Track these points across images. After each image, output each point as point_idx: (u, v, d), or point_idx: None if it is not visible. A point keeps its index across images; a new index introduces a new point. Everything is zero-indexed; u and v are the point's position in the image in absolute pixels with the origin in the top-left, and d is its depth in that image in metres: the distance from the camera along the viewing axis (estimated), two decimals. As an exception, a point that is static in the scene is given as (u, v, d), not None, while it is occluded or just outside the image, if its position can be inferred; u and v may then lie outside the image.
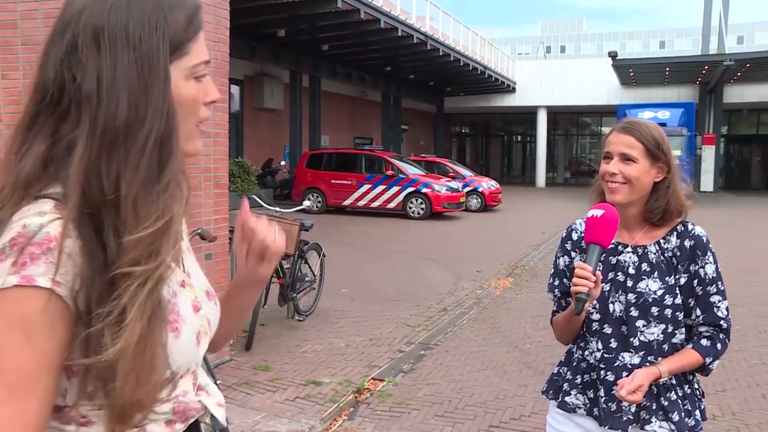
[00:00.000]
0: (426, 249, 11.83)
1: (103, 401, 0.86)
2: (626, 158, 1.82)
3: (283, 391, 4.63)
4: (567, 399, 1.92)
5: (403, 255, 11.04)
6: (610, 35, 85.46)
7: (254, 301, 1.20)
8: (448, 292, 8.22)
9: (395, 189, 17.38)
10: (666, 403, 1.80)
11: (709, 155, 28.99)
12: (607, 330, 1.85)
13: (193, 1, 0.93)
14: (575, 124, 40.14)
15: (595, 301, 1.82)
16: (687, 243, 1.84)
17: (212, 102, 0.99)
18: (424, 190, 17.17)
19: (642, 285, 1.82)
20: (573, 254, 1.97)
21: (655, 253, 1.85)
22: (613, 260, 1.87)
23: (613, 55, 24.86)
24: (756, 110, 33.74)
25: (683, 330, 1.83)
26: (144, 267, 0.84)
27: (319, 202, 17.70)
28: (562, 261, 1.99)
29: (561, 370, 1.99)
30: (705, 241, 1.84)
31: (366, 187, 17.66)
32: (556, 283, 1.99)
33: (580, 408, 1.90)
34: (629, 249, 1.87)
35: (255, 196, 6.78)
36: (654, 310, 1.80)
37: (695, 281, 1.82)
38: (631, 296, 1.82)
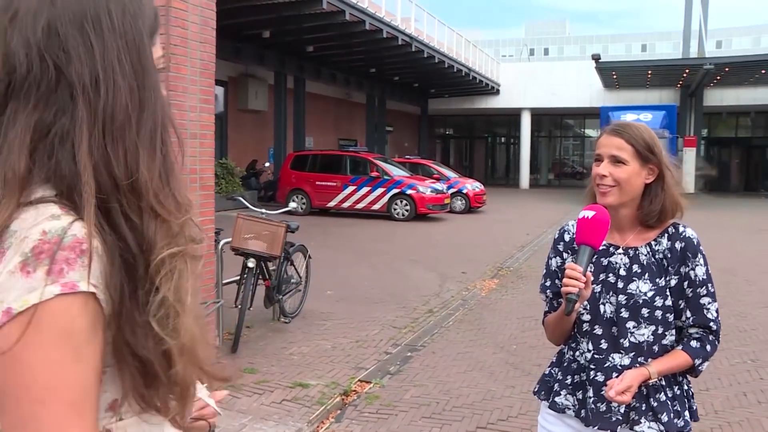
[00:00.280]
0: (411, 250, 11.84)
1: (151, 396, 0.84)
2: (616, 160, 1.83)
3: (269, 393, 4.62)
4: (557, 399, 1.93)
5: (388, 256, 11.04)
6: (593, 38, 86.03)
7: None
8: (434, 293, 8.23)
9: (380, 191, 17.38)
10: (655, 404, 1.81)
11: (690, 157, 29.29)
12: (598, 331, 1.86)
13: None
14: (559, 126, 40.41)
15: (585, 302, 1.83)
16: (678, 245, 1.85)
17: None
18: (409, 191, 17.19)
19: (633, 286, 1.83)
20: (565, 255, 1.98)
21: (646, 255, 1.86)
22: (605, 261, 1.88)
23: (596, 58, 25.04)
24: (735, 113, 34.22)
25: (673, 331, 1.85)
26: (178, 248, 0.84)
27: (304, 203, 17.66)
28: (554, 262, 2.00)
29: (552, 371, 2.00)
30: (696, 243, 1.86)
31: (351, 188, 17.65)
32: (548, 283, 2.00)
33: (569, 409, 1.91)
34: (620, 250, 1.88)
35: (241, 198, 6.75)
36: (644, 311, 1.81)
37: (685, 283, 1.83)
38: (621, 297, 1.83)
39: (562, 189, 34.06)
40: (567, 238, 2.00)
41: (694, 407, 1.89)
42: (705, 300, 1.83)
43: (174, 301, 0.82)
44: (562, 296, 1.88)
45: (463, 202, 19.88)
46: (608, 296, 1.85)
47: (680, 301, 1.84)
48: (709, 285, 1.84)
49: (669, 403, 1.82)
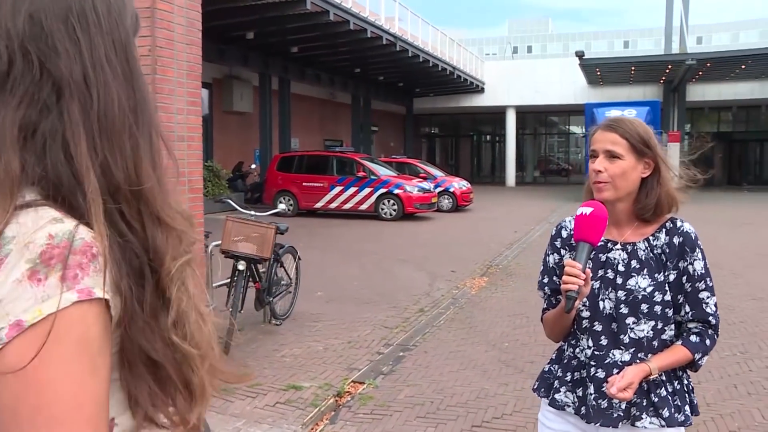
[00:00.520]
0: (400, 250, 11.84)
1: (167, 407, 0.81)
2: (611, 155, 1.83)
3: (263, 396, 4.59)
4: (557, 396, 1.92)
5: (377, 256, 11.03)
6: (576, 35, 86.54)
7: None
8: (424, 292, 8.23)
9: (367, 191, 17.37)
10: (656, 400, 1.81)
11: (674, 152, 29.40)
12: (597, 327, 1.86)
13: None
14: (543, 124, 40.59)
15: (585, 299, 1.82)
16: (676, 240, 1.85)
17: None
18: (396, 191, 17.19)
19: (632, 282, 1.83)
20: (562, 252, 1.97)
21: (644, 250, 1.86)
22: (603, 258, 1.88)
23: (580, 55, 25.17)
24: (716, 108, 34.59)
25: (672, 326, 1.85)
26: (188, 257, 0.81)
27: (291, 205, 17.61)
28: (552, 259, 1.99)
29: (552, 368, 2.00)
30: (694, 237, 1.86)
31: (338, 189, 17.62)
32: (546, 280, 1.99)
33: (568, 406, 1.90)
34: (618, 246, 1.88)
35: (230, 200, 6.71)
36: (644, 307, 1.81)
37: (684, 278, 1.83)
38: (620, 293, 1.83)
39: (548, 186, 34.24)
40: (564, 234, 1.99)
41: (695, 401, 1.89)
42: (704, 294, 1.83)
43: (191, 312, 0.80)
44: (560, 293, 1.88)
45: (451, 200, 19.91)
46: (607, 292, 1.85)
47: (679, 296, 1.84)
48: (708, 279, 1.84)
49: (670, 398, 1.83)
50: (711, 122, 36.21)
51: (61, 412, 0.68)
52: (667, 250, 1.85)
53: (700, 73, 27.92)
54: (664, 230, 1.87)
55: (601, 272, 1.87)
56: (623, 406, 1.81)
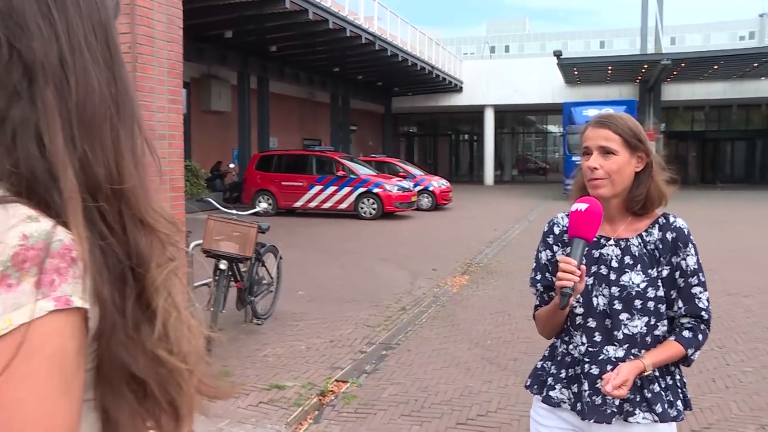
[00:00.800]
0: (380, 249, 11.84)
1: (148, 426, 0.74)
2: (606, 151, 1.83)
3: (245, 396, 4.55)
4: (551, 393, 1.92)
5: (357, 255, 11.02)
6: (553, 35, 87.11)
7: None
8: (406, 291, 8.23)
9: (347, 189, 17.34)
10: (650, 395, 1.81)
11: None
12: (591, 324, 1.86)
13: None
14: (521, 123, 40.88)
15: (578, 295, 1.82)
16: (669, 235, 1.86)
17: None
18: (376, 190, 17.18)
19: (625, 278, 1.83)
20: (555, 248, 1.97)
21: (637, 246, 1.86)
22: (596, 254, 1.88)
23: (558, 54, 25.35)
24: (690, 108, 35.13)
25: (665, 322, 1.85)
26: (174, 264, 0.74)
27: (270, 204, 17.52)
28: (544, 255, 1.98)
29: (545, 365, 1.99)
30: (686, 233, 1.86)
31: (317, 188, 17.57)
32: (539, 277, 1.99)
33: (564, 402, 1.90)
34: (612, 242, 1.88)
35: (211, 199, 6.66)
36: (637, 303, 1.81)
37: (677, 273, 1.84)
38: (614, 289, 1.83)
39: (526, 185, 34.45)
40: (557, 230, 1.99)
41: (687, 396, 1.89)
42: (696, 289, 1.84)
43: (179, 324, 0.73)
44: (552, 290, 1.88)
45: (430, 199, 19.96)
46: (601, 288, 1.85)
47: (672, 292, 1.84)
48: (700, 274, 1.85)
49: (662, 393, 1.83)
50: (685, 121, 36.75)
51: None
52: (660, 246, 1.85)
53: (675, 72, 28.31)
54: (657, 226, 1.88)
55: (594, 268, 1.87)
56: (617, 402, 1.81)
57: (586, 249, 1.80)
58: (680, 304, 1.84)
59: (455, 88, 32.80)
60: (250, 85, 20.89)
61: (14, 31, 0.67)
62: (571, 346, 1.91)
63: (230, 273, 5.85)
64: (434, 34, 33.19)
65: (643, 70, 27.93)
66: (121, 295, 0.68)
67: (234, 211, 6.26)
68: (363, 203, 17.25)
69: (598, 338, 1.85)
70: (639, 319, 1.82)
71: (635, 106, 24.92)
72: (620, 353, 1.83)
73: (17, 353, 0.59)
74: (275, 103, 23.33)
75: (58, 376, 0.62)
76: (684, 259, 1.84)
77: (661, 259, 1.85)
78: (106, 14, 0.75)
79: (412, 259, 10.62)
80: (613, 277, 1.84)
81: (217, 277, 5.76)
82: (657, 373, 1.84)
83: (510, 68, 33.85)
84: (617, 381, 1.71)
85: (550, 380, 1.94)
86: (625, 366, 1.76)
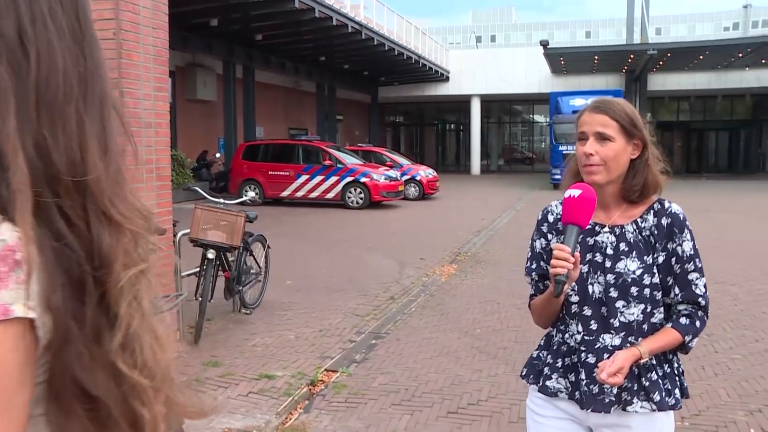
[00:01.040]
0: (368, 238, 11.81)
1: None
2: (602, 137, 1.80)
3: (235, 386, 4.52)
4: (548, 383, 1.89)
5: (345, 244, 10.98)
6: (539, 25, 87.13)
7: None
8: (394, 280, 8.22)
9: (333, 179, 17.28)
10: (647, 384, 1.80)
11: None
12: (587, 312, 1.84)
13: None
14: (508, 112, 40.88)
15: (573, 283, 1.80)
16: (664, 221, 1.83)
17: None
18: (363, 179, 17.13)
19: (620, 265, 1.81)
20: (549, 236, 1.94)
21: (632, 233, 1.84)
22: (591, 241, 1.86)
23: (544, 44, 25.36)
24: (676, 98, 35.33)
25: (662, 309, 1.83)
26: (142, 266, 0.65)
27: (257, 193, 17.43)
28: (539, 243, 1.96)
29: (540, 354, 1.97)
30: (682, 218, 1.84)
31: (304, 177, 17.49)
32: (534, 266, 1.96)
33: (561, 392, 1.88)
34: (606, 229, 1.85)
35: (198, 188, 6.59)
36: (633, 290, 1.79)
37: (673, 259, 1.82)
38: (610, 277, 1.81)
39: (512, 174, 34.51)
40: (551, 218, 1.96)
41: (685, 384, 1.88)
42: (693, 276, 1.82)
43: (144, 334, 0.64)
44: (548, 278, 1.85)
45: (417, 189, 19.94)
46: (596, 276, 1.83)
47: (668, 278, 1.82)
48: (697, 260, 1.83)
49: (660, 382, 1.81)
50: (671, 111, 36.96)
51: None
52: (656, 232, 1.83)
53: (661, 63, 28.44)
54: (652, 212, 1.85)
55: (589, 256, 1.84)
56: (614, 391, 1.79)
57: (581, 236, 1.77)
58: (677, 290, 1.82)
59: (442, 77, 32.74)
60: (235, 74, 20.72)
61: None
62: (566, 335, 1.89)
63: (218, 262, 5.80)
64: (420, 24, 33.11)
65: (630, 60, 28.02)
66: (79, 301, 0.60)
67: (221, 200, 6.20)
68: (350, 193, 17.20)
69: (594, 326, 1.83)
70: (635, 306, 1.80)
71: (622, 95, 24.96)
72: (617, 341, 1.81)
73: None
74: (261, 92, 23.16)
75: None
76: (680, 244, 1.82)
77: (657, 245, 1.83)
78: None
79: (400, 248, 10.61)
80: (608, 264, 1.82)
81: (204, 267, 5.70)
82: (654, 362, 1.82)
83: (496, 58, 33.83)
84: (612, 368, 1.69)
85: (546, 370, 1.92)
86: (620, 353, 1.74)
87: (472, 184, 27.28)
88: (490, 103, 36.34)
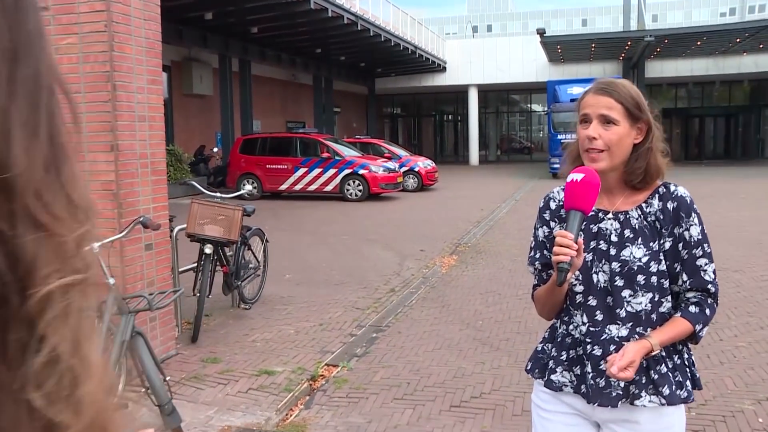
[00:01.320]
0: (367, 230, 11.74)
1: None
2: (606, 120, 1.73)
3: (234, 383, 4.47)
4: (553, 377, 1.82)
5: (344, 237, 10.92)
6: (535, 13, 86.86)
7: None
8: (394, 272, 8.15)
9: (332, 171, 17.19)
10: (656, 377, 1.72)
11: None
12: (592, 302, 1.77)
13: None
14: (505, 102, 40.71)
15: (577, 272, 1.73)
16: (670, 205, 1.76)
17: None
18: (361, 171, 17.05)
19: (626, 252, 1.74)
20: (552, 224, 1.87)
21: (637, 219, 1.76)
22: (594, 228, 1.79)
23: (541, 32, 25.22)
24: (674, 84, 35.18)
25: (669, 298, 1.76)
26: (76, 277, 0.49)
27: (255, 187, 17.35)
28: (542, 232, 1.89)
29: (545, 347, 1.90)
30: (689, 201, 1.77)
31: (302, 170, 17.41)
32: (537, 255, 1.89)
33: (566, 386, 1.81)
34: (610, 215, 1.78)
35: (194, 182, 6.51)
36: (640, 278, 1.72)
37: (680, 244, 1.74)
38: (615, 265, 1.74)
39: (511, 164, 34.41)
40: (553, 206, 1.89)
41: (697, 375, 1.80)
42: (701, 261, 1.74)
43: (71, 359, 0.50)
44: (551, 268, 1.78)
45: (416, 180, 19.87)
46: (601, 264, 1.76)
47: (676, 264, 1.75)
48: (705, 245, 1.75)
49: (670, 374, 1.74)
50: (669, 98, 36.80)
51: None
52: (662, 217, 1.75)
53: (658, 49, 28.29)
54: (657, 196, 1.78)
55: (593, 244, 1.77)
56: (622, 385, 1.72)
57: (584, 223, 1.70)
58: (684, 277, 1.75)
59: (439, 68, 32.58)
60: (231, 67, 20.61)
61: None
62: (571, 327, 1.82)
63: (216, 257, 5.74)
64: (416, 14, 32.89)
65: (627, 47, 27.88)
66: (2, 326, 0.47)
67: (218, 194, 6.13)
68: (349, 185, 17.12)
69: (599, 317, 1.76)
70: (643, 295, 1.73)
71: (619, 82, 24.88)
72: (624, 332, 1.74)
73: None
74: (258, 85, 23.05)
75: None
76: (687, 229, 1.74)
77: (663, 230, 1.75)
78: None
79: (400, 240, 10.54)
80: (613, 252, 1.75)
81: (202, 262, 5.64)
82: (663, 353, 1.74)
83: (493, 47, 33.67)
84: (623, 362, 1.62)
85: (551, 363, 1.84)
86: (630, 346, 1.67)
87: (471, 174, 27.20)
88: (487, 92, 36.18)
